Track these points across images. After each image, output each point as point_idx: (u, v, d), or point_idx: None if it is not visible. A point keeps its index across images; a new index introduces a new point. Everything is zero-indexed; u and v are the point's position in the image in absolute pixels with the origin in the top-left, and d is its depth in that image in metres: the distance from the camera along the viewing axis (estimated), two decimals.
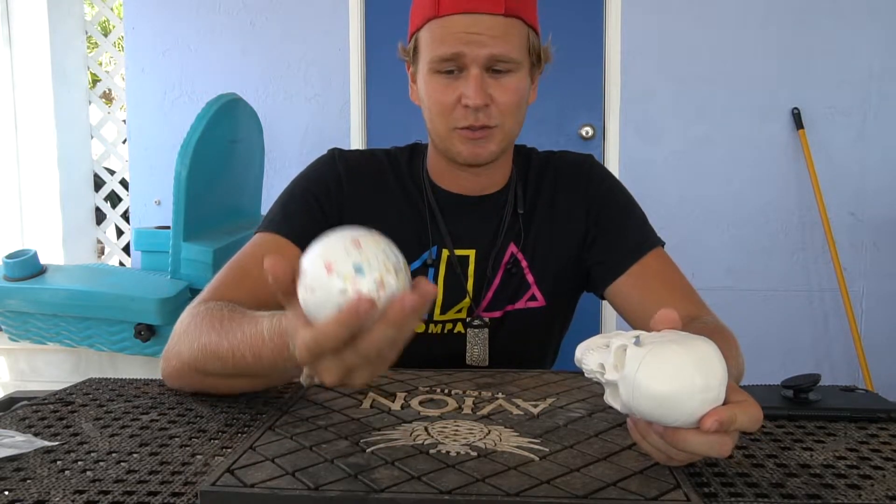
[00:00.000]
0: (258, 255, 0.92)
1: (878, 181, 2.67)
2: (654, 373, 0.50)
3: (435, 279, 0.98)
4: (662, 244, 1.00)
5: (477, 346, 0.98)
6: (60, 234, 2.96)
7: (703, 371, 0.50)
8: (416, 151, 1.04)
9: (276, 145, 2.76)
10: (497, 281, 0.99)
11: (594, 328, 2.75)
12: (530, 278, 1.00)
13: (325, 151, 1.03)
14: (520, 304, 1.00)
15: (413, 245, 0.98)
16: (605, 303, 1.00)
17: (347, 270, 0.49)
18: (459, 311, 0.99)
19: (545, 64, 0.97)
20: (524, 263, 1.00)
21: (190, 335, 0.76)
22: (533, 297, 1.01)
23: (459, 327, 0.99)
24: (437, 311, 0.98)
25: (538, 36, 0.94)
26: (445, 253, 0.98)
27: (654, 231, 1.01)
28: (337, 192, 0.97)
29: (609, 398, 0.56)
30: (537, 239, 1.00)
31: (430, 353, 0.96)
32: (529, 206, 1.01)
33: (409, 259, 0.98)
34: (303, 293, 0.51)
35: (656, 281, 0.95)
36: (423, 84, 0.93)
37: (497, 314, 1.00)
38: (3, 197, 2.97)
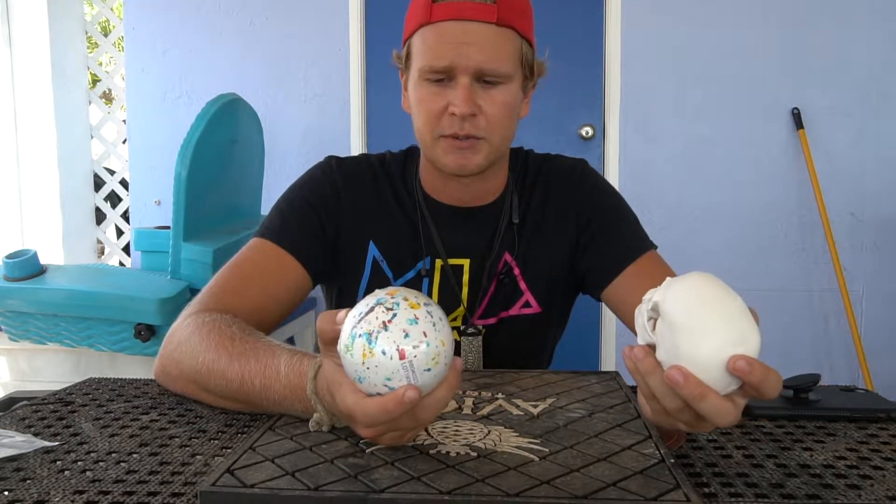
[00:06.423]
0: (258, 262, 0.93)
1: (878, 181, 2.67)
2: (680, 296, 0.52)
3: (429, 289, 0.98)
4: (655, 248, 1.00)
5: (471, 354, 0.98)
6: (60, 234, 2.96)
7: (735, 312, 0.50)
8: (411, 158, 1.03)
9: (276, 145, 2.75)
10: (492, 289, 0.99)
11: (593, 332, 2.75)
12: (523, 285, 1.00)
13: (325, 152, 1.03)
14: (514, 311, 1.00)
15: (407, 255, 0.98)
16: (604, 307, 1.00)
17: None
18: (454, 319, 0.99)
19: (538, 78, 0.95)
20: (517, 271, 1.00)
21: (193, 347, 0.76)
22: (527, 304, 1.01)
23: (454, 335, 0.99)
24: None
25: (532, 48, 0.92)
26: (439, 263, 0.98)
27: (646, 235, 1.01)
28: (334, 203, 0.97)
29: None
30: (530, 246, 1.00)
31: None
32: (522, 213, 1.01)
33: (403, 269, 0.98)
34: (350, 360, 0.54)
35: (652, 282, 0.95)
36: (412, 91, 0.92)
37: (492, 321, 1.00)
38: (3, 197, 2.96)
